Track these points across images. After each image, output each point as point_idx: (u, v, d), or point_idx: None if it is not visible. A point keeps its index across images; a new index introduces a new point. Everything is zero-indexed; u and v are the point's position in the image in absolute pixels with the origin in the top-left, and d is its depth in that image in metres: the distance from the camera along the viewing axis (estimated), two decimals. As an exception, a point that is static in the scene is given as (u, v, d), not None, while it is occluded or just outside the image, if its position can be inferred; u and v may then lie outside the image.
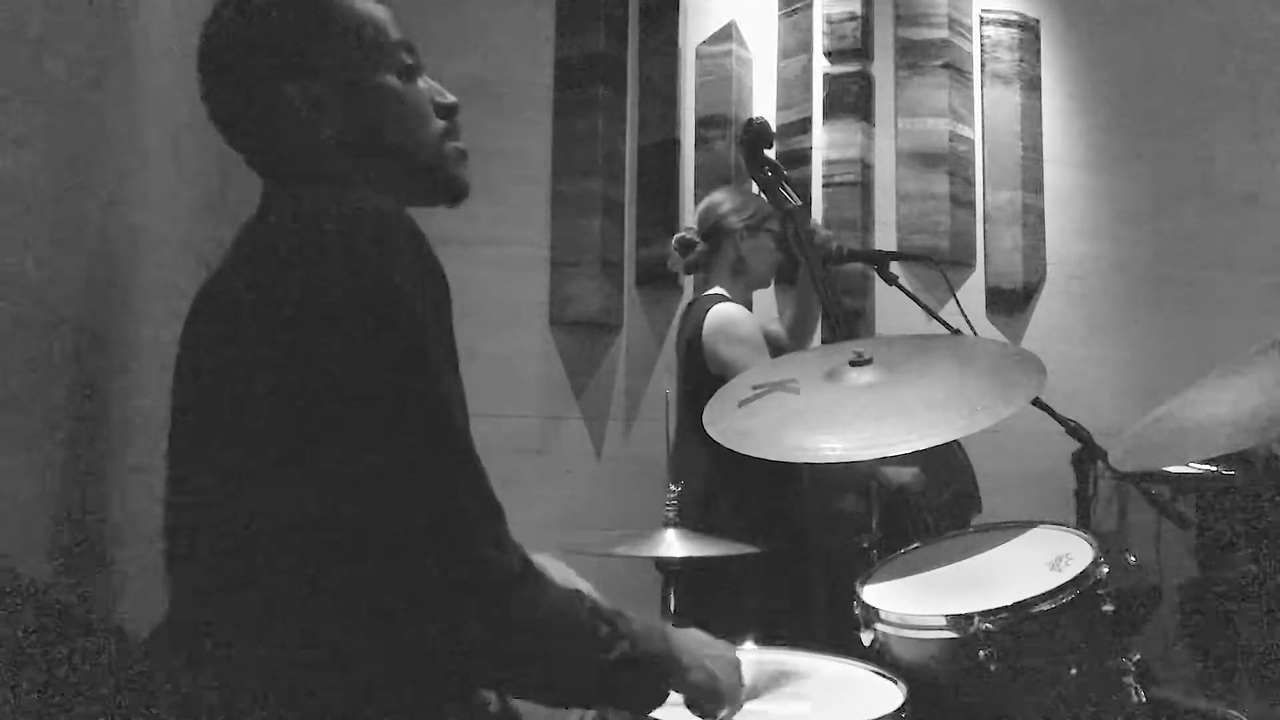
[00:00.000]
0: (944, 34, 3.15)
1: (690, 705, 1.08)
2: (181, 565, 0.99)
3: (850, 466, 2.07)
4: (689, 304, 2.41)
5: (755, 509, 2.16)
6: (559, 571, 1.31)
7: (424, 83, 1.12)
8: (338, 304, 0.89)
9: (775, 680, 1.37)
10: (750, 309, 2.61)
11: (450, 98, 1.13)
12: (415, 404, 0.89)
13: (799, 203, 2.39)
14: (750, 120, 2.43)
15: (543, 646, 0.93)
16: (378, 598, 0.88)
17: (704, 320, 2.25)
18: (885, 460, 2.04)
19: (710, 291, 2.37)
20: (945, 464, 2.35)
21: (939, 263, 2.66)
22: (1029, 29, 3.29)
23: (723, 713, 1.09)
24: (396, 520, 0.87)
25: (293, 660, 0.90)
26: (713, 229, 2.39)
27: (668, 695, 1.03)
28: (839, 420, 1.57)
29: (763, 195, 2.39)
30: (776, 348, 2.39)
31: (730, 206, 2.39)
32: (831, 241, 2.39)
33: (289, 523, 0.89)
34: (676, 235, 2.47)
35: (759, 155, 2.39)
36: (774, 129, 2.99)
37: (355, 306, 0.88)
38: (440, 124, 1.11)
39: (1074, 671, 1.38)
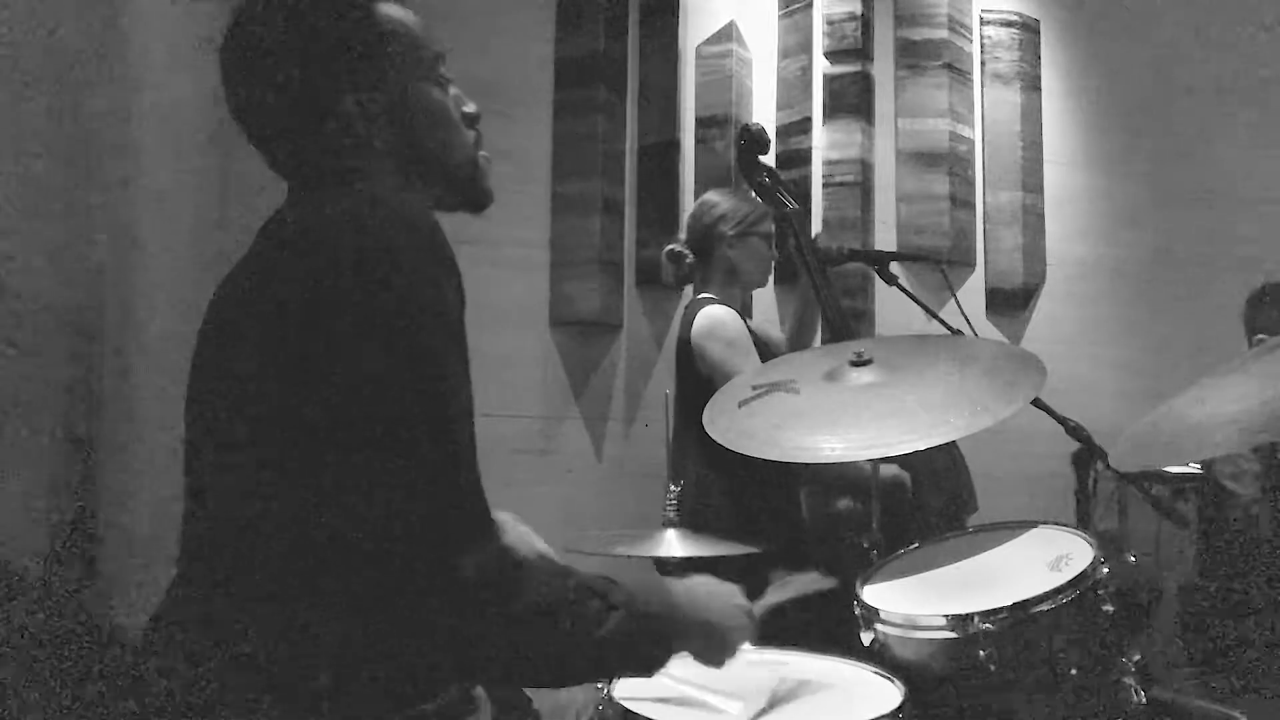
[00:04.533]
0: (944, 34, 3.15)
1: (695, 656, 1.08)
2: (191, 554, 1.00)
3: (849, 466, 2.07)
4: (685, 306, 2.42)
5: (749, 508, 2.16)
6: (513, 529, 1.31)
7: (452, 90, 1.14)
8: (356, 303, 0.89)
9: (794, 690, 1.36)
10: (748, 310, 2.61)
11: (473, 107, 1.15)
12: (421, 406, 0.90)
13: (797, 207, 2.39)
14: (746, 126, 2.43)
15: (529, 642, 0.92)
16: (362, 590, 0.88)
17: (694, 322, 2.27)
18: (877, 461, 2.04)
19: (702, 295, 2.38)
20: (940, 464, 2.35)
21: (939, 263, 2.66)
22: (1029, 29, 3.29)
23: (727, 659, 1.09)
24: (385, 518, 0.88)
25: (289, 653, 0.90)
26: (701, 237, 2.41)
27: (670, 656, 1.02)
28: (839, 420, 1.57)
29: (758, 198, 2.39)
30: (775, 353, 2.39)
31: (718, 213, 2.39)
32: (820, 242, 2.39)
33: (292, 517, 0.90)
34: (666, 249, 2.49)
35: (755, 161, 2.39)
36: (774, 129, 3.01)
37: (373, 306, 0.89)
38: (471, 134, 1.15)
39: (1074, 671, 1.38)
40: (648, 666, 1.02)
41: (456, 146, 1.13)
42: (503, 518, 1.30)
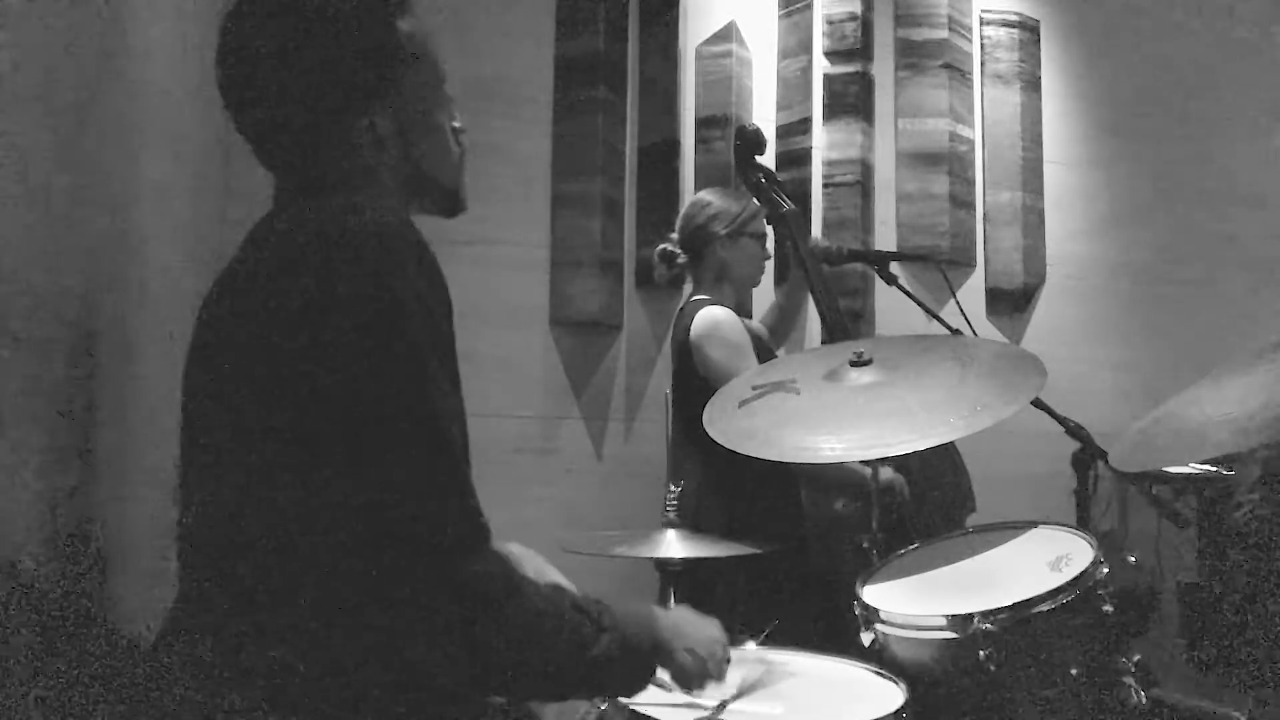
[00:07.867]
0: (944, 34, 3.15)
1: (677, 681, 1.13)
2: (187, 563, 1.00)
3: (847, 466, 2.08)
4: (680, 308, 2.42)
5: (746, 508, 2.16)
6: (530, 562, 1.33)
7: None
8: (339, 313, 0.90)
9: (762, 679, 1.38)
10: (747, 310, 2.61)
11: (459, 122, 1.17)
12: (408, 416, 0.90)
13: (793, 207, 2.40)
14: (742, 126, 2.43)
15: (526, 653, 0.95)
16: (361, 602, 0.89)
17: (692, 324, 2.27)
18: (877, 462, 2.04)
19: (698, 296, 2.38)
20: (939, 463, 2.35)
21: (939, 263, 2.66)
22: (1029, 29, 3.29)
23: (707, 687, 1.16)
24: (380, 529, 0.89)
25: (285, 659, 0.90)
26: (693, 237, 2.40)
27: (652, 678, 1.08)
28: (839, 420, 1.57)
29: (751, 198, 2.40)
30: (762, 345, 2.39)
31: (710, 213, 2.38)
32: (820, 243, 2.40)
33: (280, 524, 0.90)
34: (658, 247, 2.48)
35: (751, 161, 2.39)
36: (774, 129, 3.01)
37: (356, 317, 0.90)
38: (459, 150, 1.16)
39: (1074, 671, 1.38)
40: (631, 687, 1.07)
41: (448, 167, 1.15)
42: (514, 549, 1.32)
